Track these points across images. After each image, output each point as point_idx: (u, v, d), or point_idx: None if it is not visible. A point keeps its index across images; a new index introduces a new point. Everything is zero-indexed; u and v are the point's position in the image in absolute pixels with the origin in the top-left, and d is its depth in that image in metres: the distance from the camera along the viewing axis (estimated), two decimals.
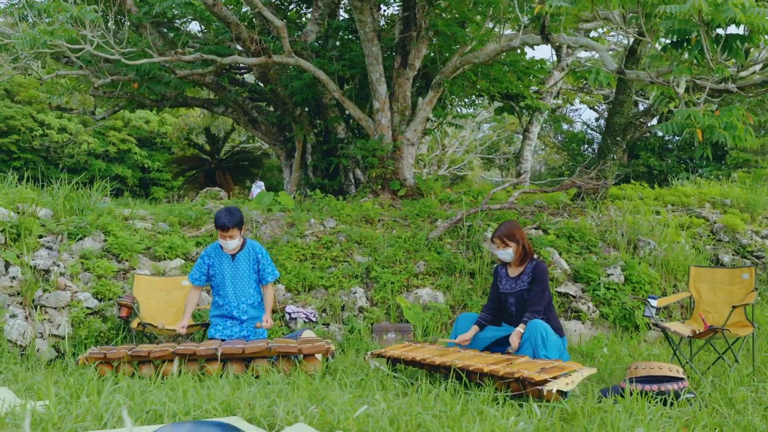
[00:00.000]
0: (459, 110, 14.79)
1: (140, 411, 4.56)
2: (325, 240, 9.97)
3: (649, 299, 7.03)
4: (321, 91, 12.54)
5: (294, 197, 12.33)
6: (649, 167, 32.68)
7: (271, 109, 14.66)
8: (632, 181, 20.23)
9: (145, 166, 34.92)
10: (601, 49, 8.89)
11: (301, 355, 6.65)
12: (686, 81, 7.74)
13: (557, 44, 9.34)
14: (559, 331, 6.56)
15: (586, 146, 38.94)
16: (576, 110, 43.41)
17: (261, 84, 13.53)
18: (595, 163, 12.14)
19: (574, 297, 9.25)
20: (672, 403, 5.53)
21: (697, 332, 6.63)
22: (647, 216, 12.07)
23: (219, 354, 6.28)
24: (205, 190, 11.96)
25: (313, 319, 8.84)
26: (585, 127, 38.55)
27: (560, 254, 9.84)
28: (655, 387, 5.67)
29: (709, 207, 13.67)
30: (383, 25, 12.14)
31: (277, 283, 9.18)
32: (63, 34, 9.93)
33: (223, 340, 7.03)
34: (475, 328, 6.77)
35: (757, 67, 10.47)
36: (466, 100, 15.95)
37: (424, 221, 10.64)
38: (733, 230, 12.37)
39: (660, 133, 37.83)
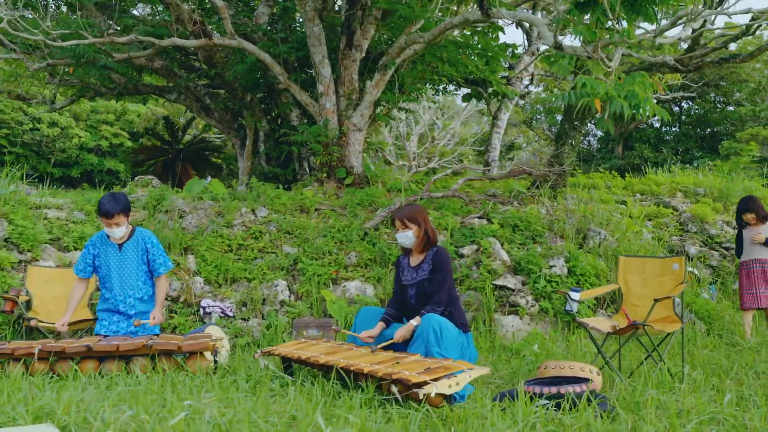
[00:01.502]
0: (418, 95, 14.09)
1: None
2: (254, 230, 9.38)
3: (570, 292, 6.42)
4: (273, 76, 11.93)
5: (245, 187, 11.76)
6: (643, 159, 31.91)
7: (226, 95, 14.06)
8: (626, 173, 19.57)
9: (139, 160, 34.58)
10: (540, 23, 8.24)
11: (186, 353, 6.06)
12: (621, 54, 7.10)
13: (496, 19, 8.68)
14: (463, 326, 5.95)
15: (582, 138, 38.21)
16: None
17: (206, 68, 12.87)
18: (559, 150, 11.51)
19: (512, 290, 8.63)
20: (571, 408, 4.90)
21: (618, 328, 6.00)
22: (609, 205, 11.45)
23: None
24: (137, 178, 11.38)
25: (230, 314, 8.26)
26: None
27: (502, 245, 9.22)
28: (553, 389, 5.05)
29: (680, 196, 13.02)
30: (326, 3, 11.47)
31: (196, 275, 8.61)
32: None
33: (105, 336, 6.45)
34: (381, 325, 6.16)
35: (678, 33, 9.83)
36: (431, 85, 15.33)
37: (364, 210, 10.04)
38: (702, 220, 11.73)
39: (657, 125, 37.15)
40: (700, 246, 11.24)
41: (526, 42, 16.49)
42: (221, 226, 9.33)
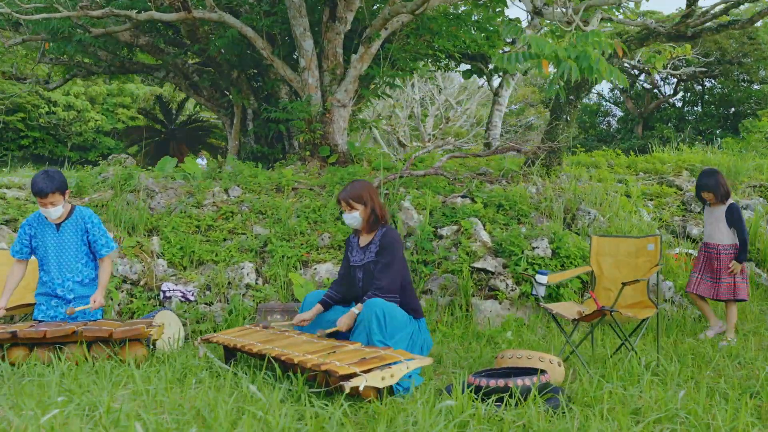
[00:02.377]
0: (412, 71, 13.51)
1: None
2: (224, 210, 8.96)
3: (537, 275, 5.91)
4: (261, 51, 11.47)
5: (231, 168, 11.32)
6: (664, 139, 31.05)
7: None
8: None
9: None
10: None
11: (120, 341, 5.65)
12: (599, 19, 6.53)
13: None
14: (414, 312, 5.48)
15: (602, 118, 37.21)
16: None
17: (189, 43, 12.43)
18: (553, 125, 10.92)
19: (492, 273, 8.13)
20: (518, 403, 4.43)
21: (583, 314, 5.50)
22: (608, 184, 10.88)
23: None
24: (111, 156, 11.00)
25: (191, 298, 7.85)
26: (600, 98, 36.82)
27: (484, 225, 8.71)
28: (501, 382, 4.57)
29: (686, 175, 12.39)
30: None
31: (160, 257, 8.21)
32: None
33: (39, 322, 6.06)
34: (318, 308, 5.72)
35: None
36: (432, 62, 14.79)
37: None
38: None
39: (678, 104, 36.11)
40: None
41: (528, 17, 15.84)
42: (190, 206, 8.92)
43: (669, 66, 20.01)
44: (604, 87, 52.36)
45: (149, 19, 10.72)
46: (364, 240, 5.68)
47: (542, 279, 5.84)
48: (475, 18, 13.37)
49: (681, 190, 11.62)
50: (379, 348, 4.92)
